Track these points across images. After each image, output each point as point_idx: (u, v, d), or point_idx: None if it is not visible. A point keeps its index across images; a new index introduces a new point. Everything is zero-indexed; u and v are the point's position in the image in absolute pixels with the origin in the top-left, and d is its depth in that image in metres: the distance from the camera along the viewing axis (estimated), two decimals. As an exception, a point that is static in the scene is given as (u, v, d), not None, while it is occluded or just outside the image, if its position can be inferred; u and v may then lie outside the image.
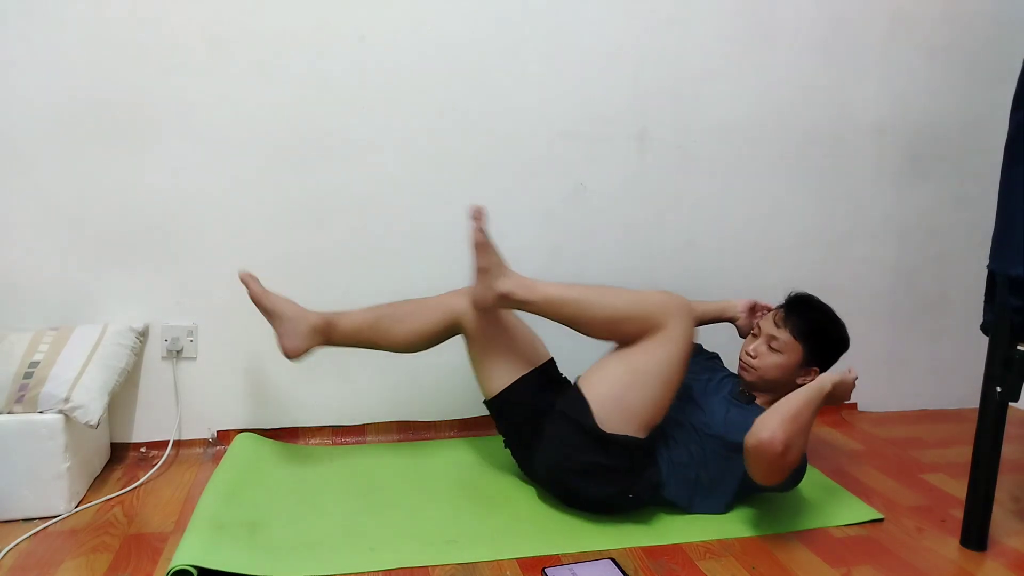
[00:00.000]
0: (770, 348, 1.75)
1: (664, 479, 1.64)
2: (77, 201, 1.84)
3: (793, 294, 1.84)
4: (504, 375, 1.75)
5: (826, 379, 1.61)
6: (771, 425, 1.46)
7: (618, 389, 1.59)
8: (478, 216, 1.62)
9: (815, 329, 1.75)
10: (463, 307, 1.75)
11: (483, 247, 1.63)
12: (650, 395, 1.59)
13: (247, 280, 1.71)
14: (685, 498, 1.66)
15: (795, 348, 1.73)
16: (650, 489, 1.63)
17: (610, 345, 1.70)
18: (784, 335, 1.74)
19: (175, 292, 1.93)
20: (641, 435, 1.60)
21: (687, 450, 1.66)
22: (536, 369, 1.78)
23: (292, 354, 1.71)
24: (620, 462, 1.59)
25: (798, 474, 1.63)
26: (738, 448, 1.55)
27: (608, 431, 1.57)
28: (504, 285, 1.63)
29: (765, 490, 1.66)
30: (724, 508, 1.68)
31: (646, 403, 1.59)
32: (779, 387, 1.74)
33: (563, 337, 1.83)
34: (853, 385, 1.67)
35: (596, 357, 1.71)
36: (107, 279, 1.89)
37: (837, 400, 1.65)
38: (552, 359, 1.84)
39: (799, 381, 1.72)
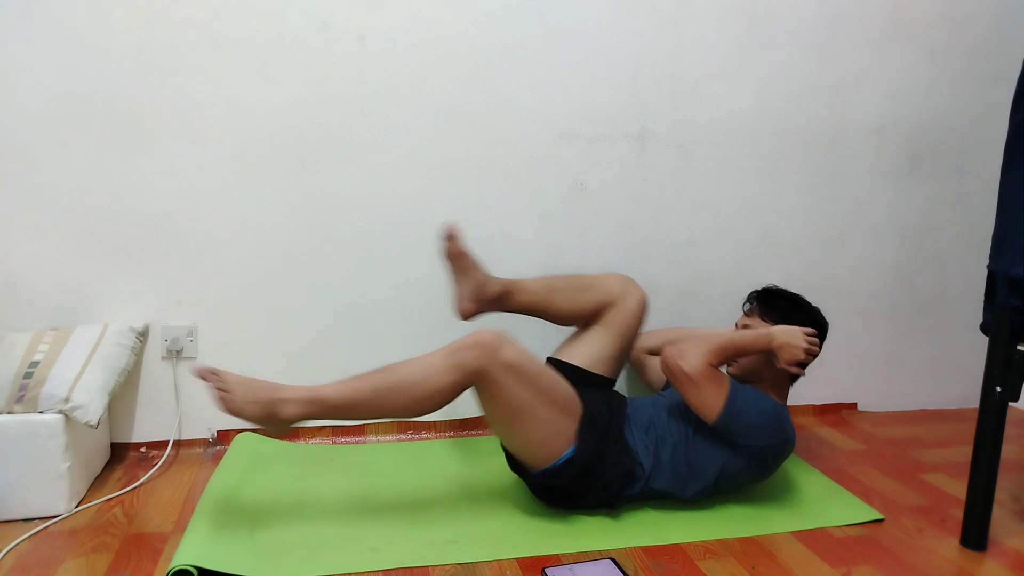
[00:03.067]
0: None
1: (649, 472, 1.65)
2: (77, 201, 1.84)
3: (759, 288, 1.86)
4: (586, 358, 1.84)
5: (774, 332, 1.66)
6: (684, 343, 1.62)
7: (515, 438, 1.60)
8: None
9: (782, 311, 1.76)
10: (622, 292, 1.83)
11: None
12: (536, 423, 1.56)
13: (451, 231, 1.73)
14: (676, 486, 1.66)
15: None
16: (622, 480, 1.63)
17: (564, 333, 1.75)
18: (754, 321, 1.77)
19: (175, 292, 1.93)
20: (568, 447, 1.58)
21: (665, 444, 1.67)
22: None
23: (465, 315, 1.78)
24: (570, 478, 1.59)
25: (758, 420, 1.61)
26: (715, 429, 1.62)
27: (544, 467, 1.59)
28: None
29: (751, 461, 1.64)
30: (712, 483, 1.66)
31: (540, 430, 1.57)
32: (762, 376, 1.74)
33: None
34: (803, 336, 1.65)
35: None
36: (107, 279, 1.89)
37: (785, 349, 1.65)
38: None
39: (780, 367, 1.69)
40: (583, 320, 1.86)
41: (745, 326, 1.78)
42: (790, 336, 1.66)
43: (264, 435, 1.96)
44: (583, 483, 1.61)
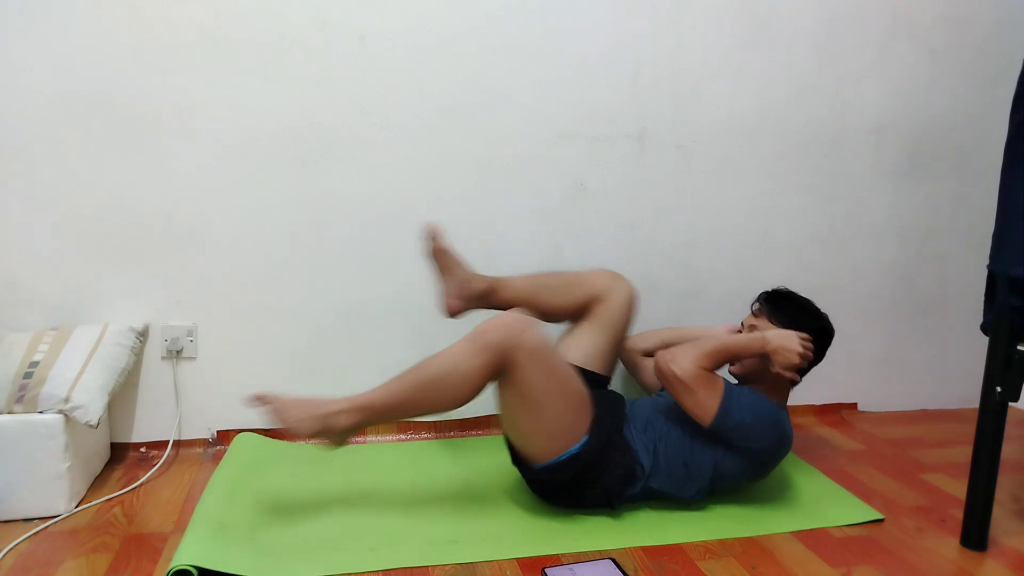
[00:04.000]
0: None
1: (649, 472, 1.65)
2: (77, 201, 1.84)
3: (769, 289, 1.85)
4: (583, 356, 1.83)
5: (769, 336, 1.66)
6: (677, 348, 1.64)
7: (526, 427, 1.59)
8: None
9: (793, 317, 1.75)
10: (608, 287, 1.83)
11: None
12: (550, 413, 1.56)
13: (433, 231, 1.76)
14: (674, 487, 1.66)
15: None
16: (622, 481, 1.63)
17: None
18: (762, 323, 1.76)
19: (175, 292, 1.93)
20: (575, 443, 1.58)
21: (665, 445, 1.67)
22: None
23: (452, 312, 1.81)
24: (574, 474, 1.59)
25: (753, 420, 1.62)
26: (711, 432, 1.63)
27: (547, 461, 1.59)
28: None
29: (749, 462, 1.65)
30: (708, 484, 1.66)
31: (552, 422, 1.57)
32: (763, 377, 1.73)
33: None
34: (798, 341, 1.64)
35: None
36: (107, 279, 1.89)
37: (780, 354, 1.64)
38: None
39: (774, 371, 1.68)
40: (571, 316, 1.87)
41: (752, 326, 1.77)
42: (785, 340, 1.65)
43: (324, 446, 1.89)
44: (584, 480, 1.61)
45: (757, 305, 1.82)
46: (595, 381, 1.79)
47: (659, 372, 1.64)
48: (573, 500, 1.66)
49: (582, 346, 1.82)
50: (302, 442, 2.04)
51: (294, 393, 1.57)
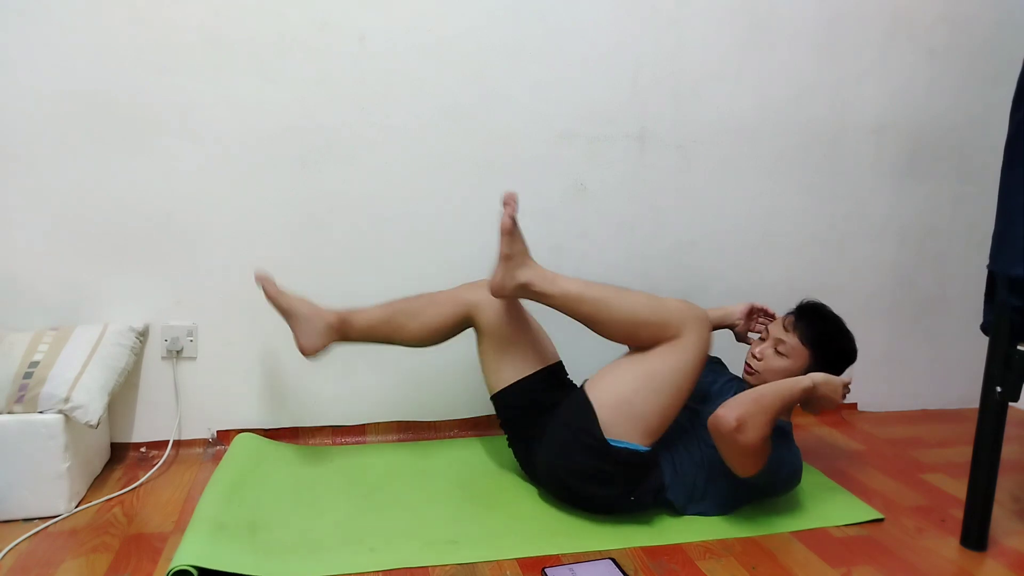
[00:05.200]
0: (776, 352, 1.75)
1: (668, 483, 1.64)
2: (77, 201, 1.84)
3: (805, 301, 1.82)
4: (512, 371, 1.75)
5: (813, 376, 1.61)
6: (732, 403, 1.52)
7: (627, 393, 1.58)
8: (510, 202, 1.62)
9: (823, 337, 1.74)
10: (477, 300, 1.75)
11: (510, 234, 1.62)
12: (659, 402, 1.58)
13: (263, 280, 1.72)
14: (683, 500, 1.66)
15: (801, 354, 1.73)
16: (652, 493, 1.63)
17: (616, 349, 1.69)
18: (792, 339, 1.74)
19: (175, 292, 1.93)
20: (645, 443, 1.59)
21: (689, 455, 1.67)
22: (544, 368, 1.78)
23: (308, 352, 1.73)
24: (622, 470, 1.59)
25: (784, 474, 1.63)
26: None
27: (613, 438, 1.57)
28: (524, 275, 1.63)
29: (758, 496, 1.67)
30: (716, 511, 1.67)
31: (655, 410, 1.58)
32: None
33: (572, 340, 1.84)
34: (842, 391, 1.64)
35: (603, 362, 1.70)
36: (107, 279, 1.89)
37: (823, 402, 1.61)
38: (560, 361, 1.84)
39: (809, 411, 1.67)
40: (440, 337, 1.78)
41: (779, 340, 1.75)
42: (832, 392, 1.62)
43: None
44: (628, 483, 1.59)
45: (791, 320, 1.77)
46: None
47: (718, 435, 1.53)
48: (601, 502, 1.63)
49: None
50: (301, 444, 2.04)
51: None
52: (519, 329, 1.77)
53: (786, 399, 1.56)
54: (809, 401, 1.62)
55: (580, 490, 1.63)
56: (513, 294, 1.68)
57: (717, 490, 1.65)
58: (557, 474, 1.65)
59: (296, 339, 1.73)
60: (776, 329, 1.78)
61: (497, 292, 1.68)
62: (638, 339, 1.63)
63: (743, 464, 1.56)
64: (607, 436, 1.57)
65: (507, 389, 1.75)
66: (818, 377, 1.62)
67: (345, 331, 1.73)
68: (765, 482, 1.61)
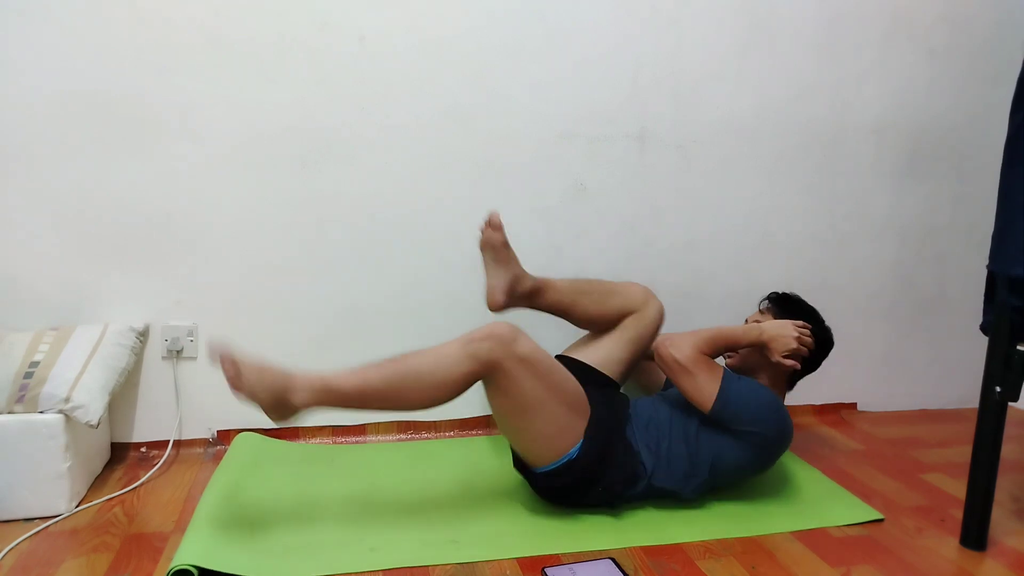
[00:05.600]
0: None
1: (651, 470, 1.64)
2: (78, 201, 1.84)
3: (782, 291, 1.89)
4: None
5: (764, 325, 1.70)
6: (676, 334, 1.66)
7: (522, 434, 1.59)
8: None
9: (796, 316, 1.79)
10: (643, 300, 1.84)
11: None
12: (545, 419, 1.56)
13: (497, 220, 1.72)
14: (675, 482, 1.66)
15: None
16: (624, 480, 1.63)
17: None
18: (766, 319, 1.79)
19: (175, 292, 1.93)
20: (571, 447, 1.57)
21: (670, 435, 1.67)
22: None
23: (495, 308, 1.75)
24: (574, 478, 1.59)
25: (772, 436, 1.63)
26: (712, 418, 1.63)
27: (548, 466, 1.59)
28: (297, 396, 1.43)
29: (757, 454, 1.65)
30: (709, 473, 1.66)
31: (548, 427, 1.56)
32: (760, 370, 1.76)
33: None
34: (794, 330, 1.68)
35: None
36: (107, 279, 1.89)
37: (776, 341, 1.67)
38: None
39: (774, 360, 1.70)
40: (604, 325, 1.86)
41: (756, 322, 1.80)
42: (781, 328, 1.69)
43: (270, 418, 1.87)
44: (586, 482, 1.61)
45: (765, 304, 1.85)
46: (604, 383, 1.79)
47: (658, 356, 1.66)
48: (575, 500, 1.66)
49: (604, 351, 1.83)
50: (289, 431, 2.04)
51: (257, 357, 1.43)
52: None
53: (725, 331, 1.69)
54: (764, 346, 1.70)
55: (569, 504, 1.67)
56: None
57: (703, 456, 1.65)
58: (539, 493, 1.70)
59: (491, 291, 1.75)
60: (753, 317, 1.85)
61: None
62: (457, 390, 1.51)
63: (693, 385, 1.61)
64: (537, 468, 1.61)
65: None
66: (766, 322, 1.73)
67: (534, 300, 1.80)
68: (740, 420, 1.60)
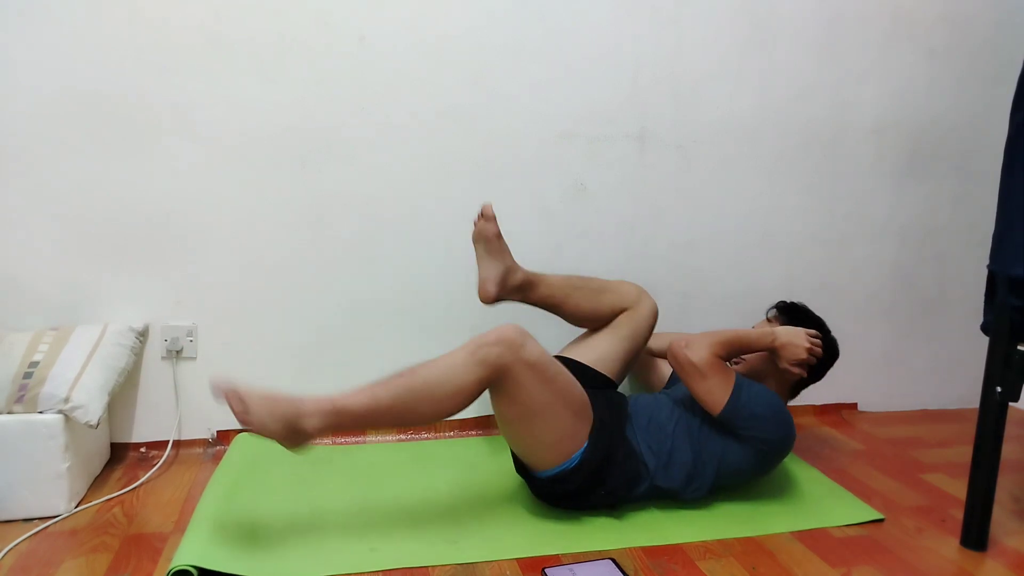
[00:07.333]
0: None
1: (654, 471, 1.64)
2: (77, 201, 1.84)
3: (790, 301, 1.88)
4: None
5: (778, 331, 1.69)
6: (691, 336, 1.65)
7: (526, 439, 1.58)
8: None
9: (804, 324, 1.78)
10: (636, 298, 1.85)
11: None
12: (550, 424, 1.55)
13: (490, 212, 1.72)
14: (677, 483, 1.65)
15: None
16: (627, 482, 1.63)
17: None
18: (775, 326, 1.78)
19: (175, 292, 1.93)
20: (577, 450, 1.57)
21: (674, 435, 1.66)
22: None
23: (487, 299, 1.76)
24: (577, 482, 1.59)
25: (777, 441, 1.64)
26: (720, 421, 1.63)
27: (551, 470, 1.58)
28: (309, 422, 1.40)
29: (760, 458, 1.65)
30: (713, 476, 1.66)
31: (553, 432, 1.56)
32: (767, 375, 1.76)
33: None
34: (806, 338, 1.69)
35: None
36: (107, 279, 1.89)
37: (787, 349, 1.68)
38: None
39: (782, 367, 1.71)
40: (596, 322, 1.86)
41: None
42: (793, 336, 1.69)
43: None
44: (590, 485, 1.60)
45: (773, 312, 1.85)
46: (601, 384, 1.79)
47: (673, 357, 1.65)
48: (577, 503, 1.65)
49: (600, 349, 1.83)
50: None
51: (261, 387, 1.39)
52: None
53: (740, 335, 1.68)
54: (775, 350, 1.70)
55: (571, 507, 1.66)
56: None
57: (707, 458, 1.65)
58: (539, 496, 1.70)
59: (483, 282, 1.75)
60: (759, 325, 1.83)
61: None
62: (469, 399, 1.49)
63: (706, 388, 1.60)
64: (539, 472, 1.60)
65: None
66: (780, 327, 1.72)
67: (526, 293, 1.80)
68: (747, 424, 1.60)
